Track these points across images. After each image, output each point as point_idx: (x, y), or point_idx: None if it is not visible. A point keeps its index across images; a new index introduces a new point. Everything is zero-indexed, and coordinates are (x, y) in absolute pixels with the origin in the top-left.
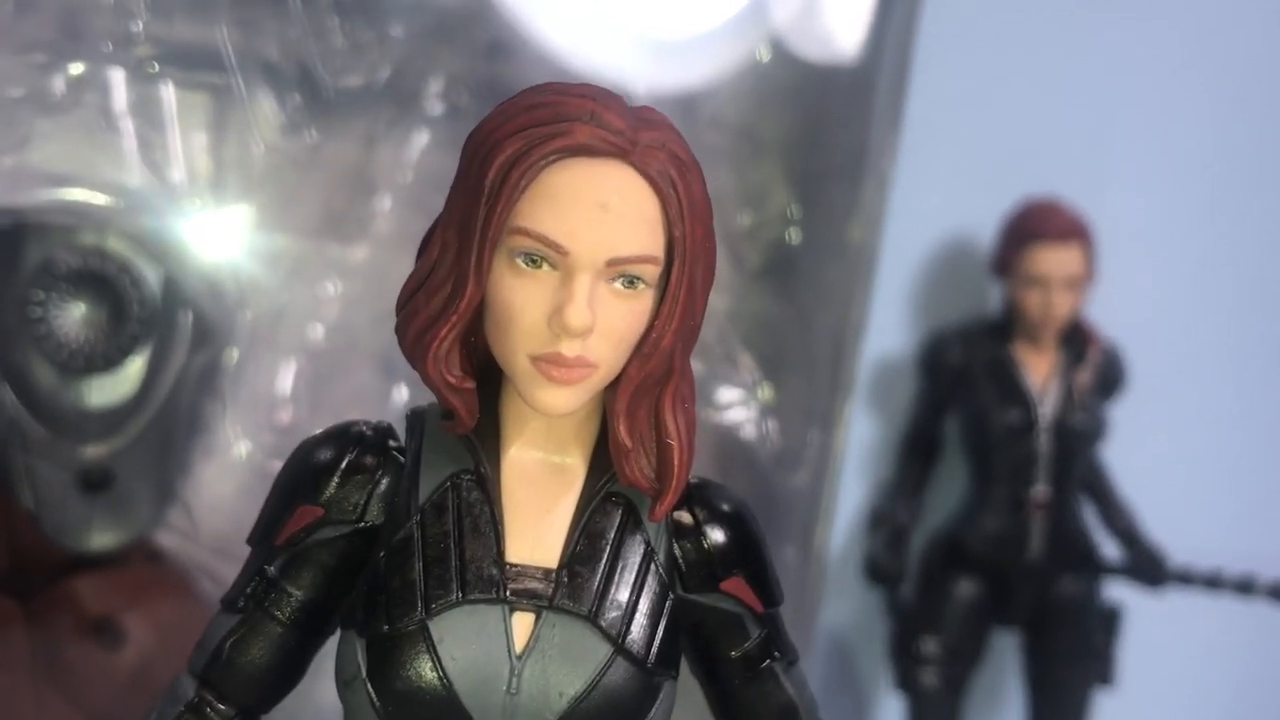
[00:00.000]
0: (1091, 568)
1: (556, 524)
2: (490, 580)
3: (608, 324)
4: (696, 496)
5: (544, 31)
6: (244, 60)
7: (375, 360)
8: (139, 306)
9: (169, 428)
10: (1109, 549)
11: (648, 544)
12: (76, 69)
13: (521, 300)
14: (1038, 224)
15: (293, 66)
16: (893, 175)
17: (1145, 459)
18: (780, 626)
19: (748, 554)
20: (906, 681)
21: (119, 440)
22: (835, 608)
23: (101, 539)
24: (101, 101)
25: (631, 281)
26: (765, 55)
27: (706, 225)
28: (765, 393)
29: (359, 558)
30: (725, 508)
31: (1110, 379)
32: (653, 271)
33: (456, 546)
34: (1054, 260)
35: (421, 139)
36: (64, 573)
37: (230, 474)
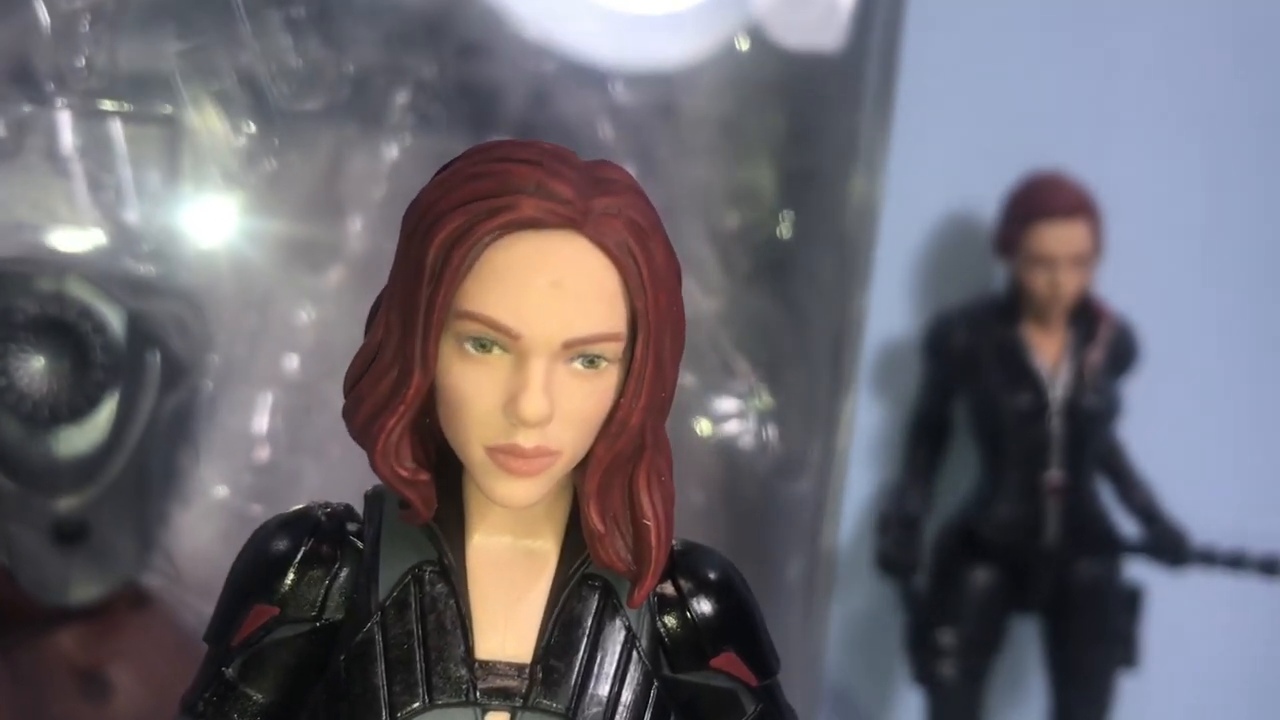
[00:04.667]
0: (1111, 548)
1: (529, 614)
2: (459, 681)
3: (568, 408)
4: (680, 565)
5: (518, 26)
6: (195, 89)
7: None
8: (103, 352)
9: (144, 474)
10: (1128, 529)
11: (628, 628)
12: (18, 111)
13: (472, 389)
14: (1041, 200)
15: (247, 92)
16: (886, 161)
17: (1162, 436)
18: (778, 697)
19: (739, 625)
20: (925, 674)
21: (93, 490)
22: (847, 603)
23: (82, 591)
24: (47, 144)
25: (592, 361)
26: (744, 44)
27: (672, 291)
28: (763, 399)
29: (321, 655)
30: (711, 575)
31: (1122, 356)
32: (614, 348)
33: (421, 646)
34: (1060, 238)
35: (391, 153)
36: (46, 627)
37: (210, 518)
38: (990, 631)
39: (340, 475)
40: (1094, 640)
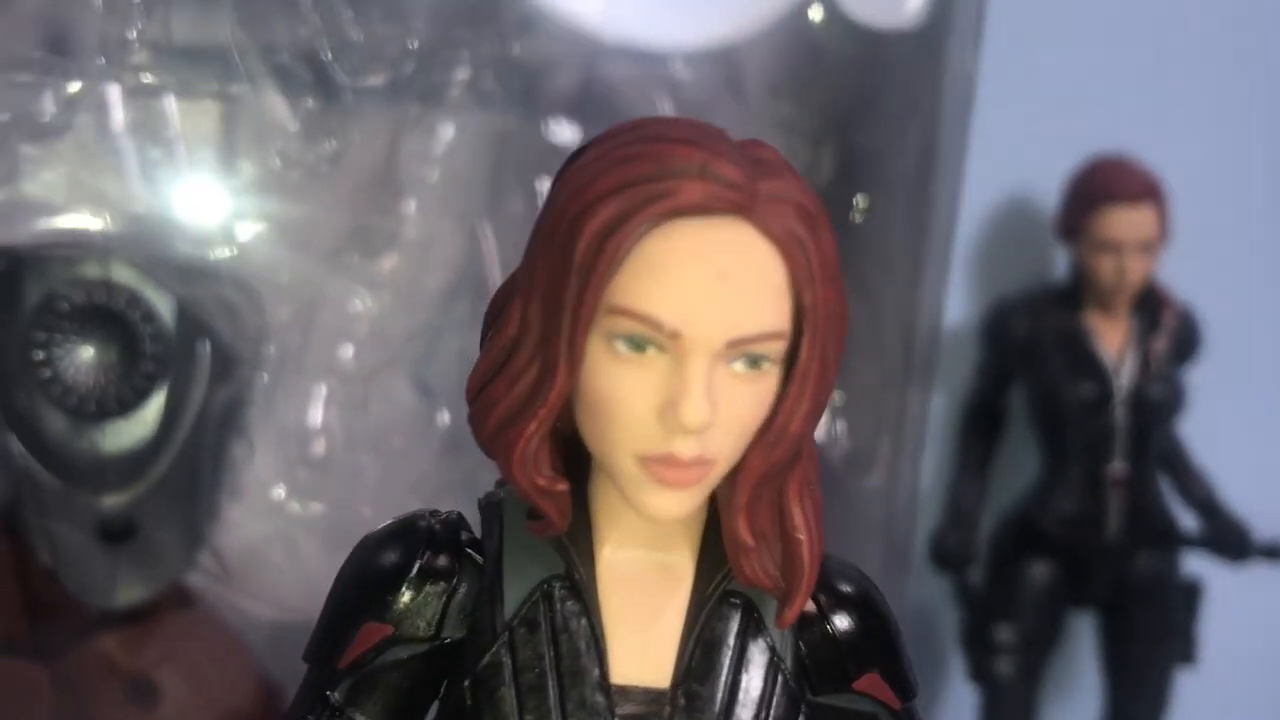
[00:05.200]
0: (1172, 542)
1: (665, 635)
2: (596, 709)
3: (729, 414)
4: (820, 581)
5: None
6: (252, 64)
7: (412, 379)
8: (152, 341)
9: (193, 470)
10: (1188, 523)
11: (772, 649)
12: (67, 87)
13: (625, 392)
14: (1107, 184)
15: (306, 67)
16: (967, 151)
17: (1222, 427)
18: (918, 719)
19: (882, 644)
20: (981, 672)
21: (140, 487)
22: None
23: (129, 593)
24: (97, 121)
25: (755, 361)
26: (818, 15)
27: (839, 286)
28: (833, 394)
29: (437, 678)
30: (851, 591)
31: (1186, 345)
32: (779, 348)
33: (554, 670)
34: (1126, 223)
35: (447, 133)
36: (91, 631)
37: (262, 516)
38: (1048, 628)
39: (399, 471)
40: (1152, 636)
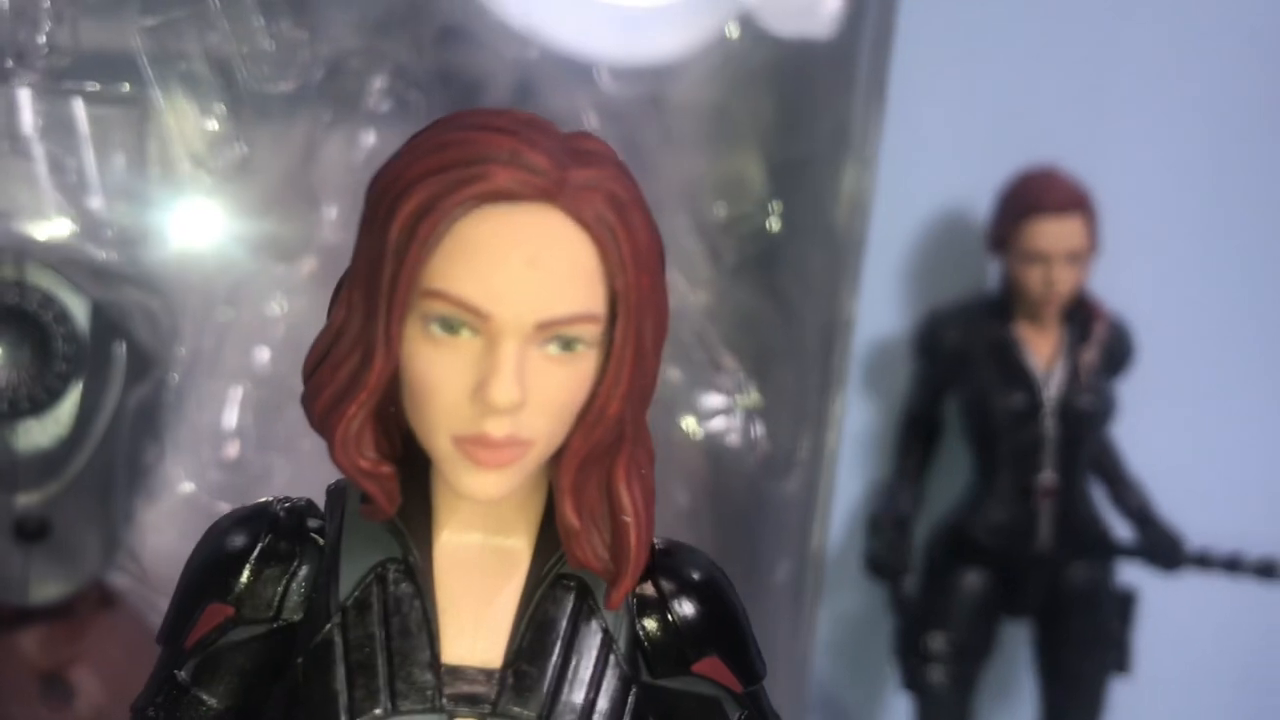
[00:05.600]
0: (1105, 552)
1: (499, 616)
2: (424, 687)
3: (542, 395)
4: (661, 565)
5: (500, 13)
6: (161, 69)
7: None
8: (65, 342)
9: (108, 469)
10: (1122, 531)
11: (605, 631)
12: None
13: (439, 374)
14: (1035, 195)
15: (216, 73)
16: (878, 153)
17: (1156, 437)
18: (764, 703)
19: (723, 629)
20: (914, 680)
21: (54, 486)
22: (835, 607)
23: (43, 591)
24: (6, 124)
25: (568, 344)
26: (734, 32)
27: (654, 273)
28: (751, 396)
29: (278, 658)
30: (695, 576)
31: (1118, 355)
32: (592, 331)
33: (384, 650)
34: (1054, 234)
35: (368, 140)
36: (6, 628)
37: (176, 516)
38: (981, 636)
39: (312, 472)
40: (1087, 645)
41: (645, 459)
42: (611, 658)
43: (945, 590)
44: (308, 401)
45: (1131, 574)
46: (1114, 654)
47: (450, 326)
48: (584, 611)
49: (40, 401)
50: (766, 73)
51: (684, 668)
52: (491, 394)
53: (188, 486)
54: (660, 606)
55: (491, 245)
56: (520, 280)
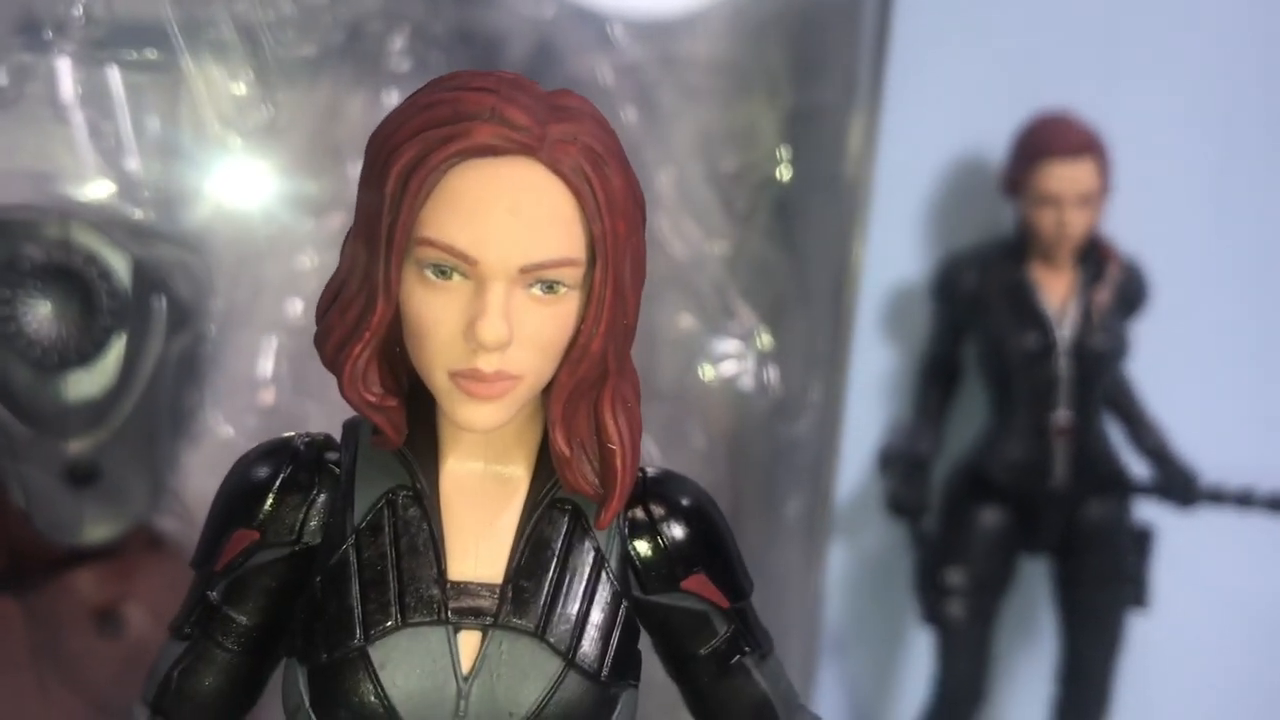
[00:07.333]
0: (1120, 489)
1: (500, 537)
2: (431, 601)
3: (528, 333)
4: (653, 491)
5: None
6: (191, 37)
7: None
8: (109, 297)
9: (152, 417)
10: (1138, 469)
11: (597, 550)
12: (19, 59)
13: (434, 315)
14: (1047, 139)
15: (243, 39)
16: (884, 100)
17: (1171, 376)
18: (750, 618)
19: (709, 549)
20: (933, 614)
21: (103, 433)
22: (856, 545)
23: (95, 531)
24: (47, 92)
25: (551, 286)
26: None
27: (631, 220)
28: (764, 341)
29: (300, 578)
30: (683, 501)
31: (1131, 296)
32: (573, 274)
33: (395, 568)
34: (1066, 177)
35: (390, 99)
36: (61, 567)
37: (217, 460)
38: (999, 572)
39: (343, 416)
40: (1103, 581)
41: (630, 392)
42: (603, 574)
43: (963, 527)
44: (320, 342)
45: (1149, 511)
46: (1131, 589)
47: (443, 271)
48: (577, 532)
49: (87, 353)
50: (776, 24)
51: (674, 585)
52: (481, 332)
53: (227, 431)
54: (650, 529)
55: (476, 196)
56: (503, 227)
